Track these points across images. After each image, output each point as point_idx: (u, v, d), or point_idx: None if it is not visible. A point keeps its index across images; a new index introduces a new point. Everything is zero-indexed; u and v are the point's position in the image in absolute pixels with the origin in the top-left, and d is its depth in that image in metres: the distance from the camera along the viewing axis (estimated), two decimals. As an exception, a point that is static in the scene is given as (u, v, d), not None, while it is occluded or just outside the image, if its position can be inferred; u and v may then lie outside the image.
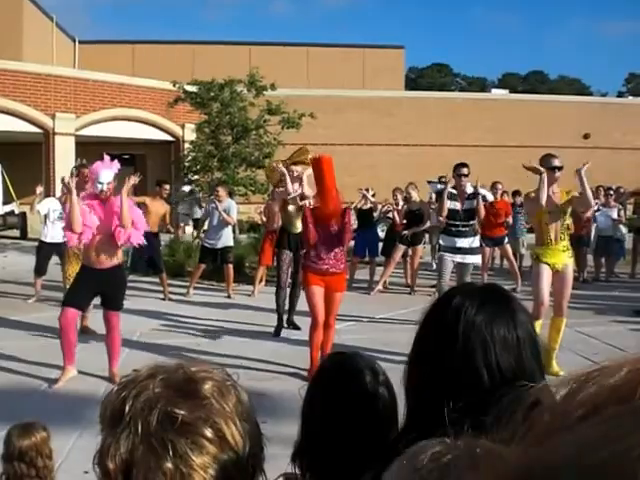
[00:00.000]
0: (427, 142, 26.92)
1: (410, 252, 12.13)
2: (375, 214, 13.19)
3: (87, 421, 4.92)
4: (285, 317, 9.13)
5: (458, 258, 9.02)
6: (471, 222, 9.06)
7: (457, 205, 8.99)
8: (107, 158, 6.72)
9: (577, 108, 29.28)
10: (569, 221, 7.64)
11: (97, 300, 7.19)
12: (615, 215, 13.73)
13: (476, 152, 24.40)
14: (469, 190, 9.08)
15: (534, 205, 7.42)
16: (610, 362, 0.49)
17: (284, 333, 8.87)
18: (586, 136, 28.68)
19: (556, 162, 7.35)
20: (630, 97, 48.86)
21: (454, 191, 9.05)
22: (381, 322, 9.74)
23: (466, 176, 9.04)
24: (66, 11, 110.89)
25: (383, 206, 12.95)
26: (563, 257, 7.35)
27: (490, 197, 9.76)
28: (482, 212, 9.31)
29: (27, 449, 2.89)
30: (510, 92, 37.94)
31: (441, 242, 9.29)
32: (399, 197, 12.60)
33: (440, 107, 27.93)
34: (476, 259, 9.29)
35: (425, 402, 1.34)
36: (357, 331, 9.02)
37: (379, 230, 13.99)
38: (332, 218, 7.04)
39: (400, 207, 12.32)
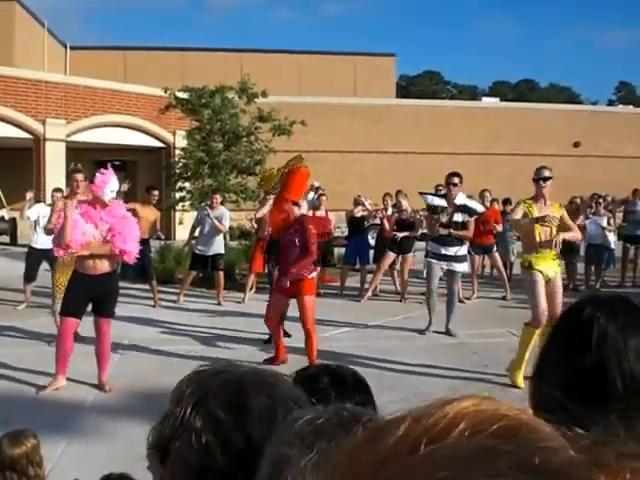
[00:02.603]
0: (418, 150, 26.99)
1: (400, 260, 12.13)
2: (366, 222, 13.21)
3: (76, 428, 4.89)
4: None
5: (444, 265, 9.08)
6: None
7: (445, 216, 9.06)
8: (110, 168, 6.80)
9: (567, 116, 29.45)
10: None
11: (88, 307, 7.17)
12: (605, 223, 13.78)
13: (467, 160, 24.47)
14: (459, 201, 9.08)
15: (517, 221, 7.53)
16: None
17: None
18: (576, 144, 28.84)
19: (546, 173, 7.46)
20: (620, 105, 49.13)
21: (444, 203, 9.08)
22: (371, 329, 9.75)
23: (456, 185, 9.07)
24: (58, 17, 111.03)
25: (372, 212, 12.95)
26: (553, 265, 7.37)
27: (481, 209, 9.80)
28: (471, 233, 9.32)
29: (18, 458, 2.88)
30: (501, 100, 38.14)
31: (428, 248, 9.37)
32: (389, 202, 12.63)
33: (431, 115, 28.03)
34: (462, 267, 9.33)
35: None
36: (347, 338, 9.02)
37: (369, 237, 14.00)
38: (284, 228, 7.32)
39: (390, 214, 12.33)
